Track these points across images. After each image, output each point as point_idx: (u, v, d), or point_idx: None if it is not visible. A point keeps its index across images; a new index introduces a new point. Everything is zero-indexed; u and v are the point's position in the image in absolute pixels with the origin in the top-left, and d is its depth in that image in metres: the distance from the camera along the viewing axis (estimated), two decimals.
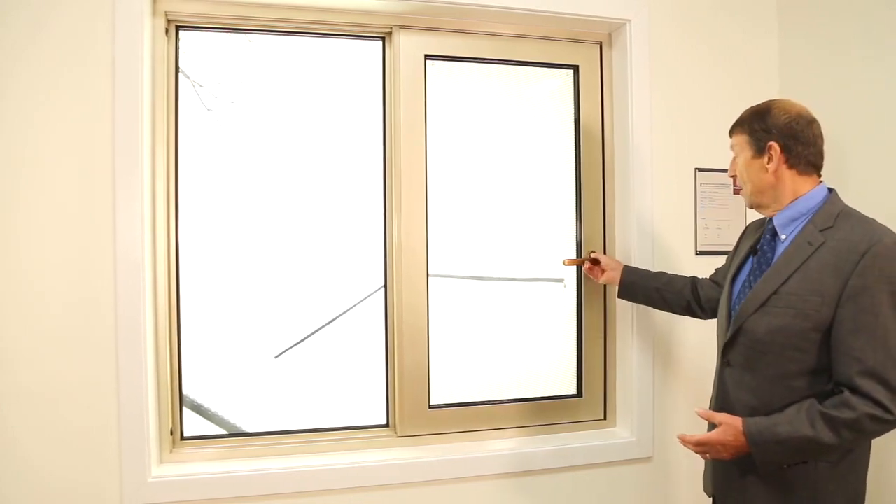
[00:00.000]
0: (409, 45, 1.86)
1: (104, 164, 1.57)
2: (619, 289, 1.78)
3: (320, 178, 2.08)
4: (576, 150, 2.02)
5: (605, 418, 2.04)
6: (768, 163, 1.30)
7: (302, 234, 2.07)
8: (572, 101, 2.01)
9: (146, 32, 1.62)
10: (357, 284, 2.22)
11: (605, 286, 2.01)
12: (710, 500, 1.49)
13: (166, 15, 1.71)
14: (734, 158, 1.40)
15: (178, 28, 1.76)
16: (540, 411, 1.98)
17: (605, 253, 2.02)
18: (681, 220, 1.98)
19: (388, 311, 1.91)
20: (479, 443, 1.89)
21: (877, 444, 1.30)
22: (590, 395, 2.02)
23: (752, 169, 1.33)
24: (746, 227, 1.56)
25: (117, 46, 1.57)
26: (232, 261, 1.98)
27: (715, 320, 1.51)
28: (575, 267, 2.01)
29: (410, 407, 1.87)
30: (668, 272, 1.76)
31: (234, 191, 1.93)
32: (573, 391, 2.02)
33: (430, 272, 1.89)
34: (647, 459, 1.94)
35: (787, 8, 2.05)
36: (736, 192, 2.00)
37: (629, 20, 1.92)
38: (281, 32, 1.83)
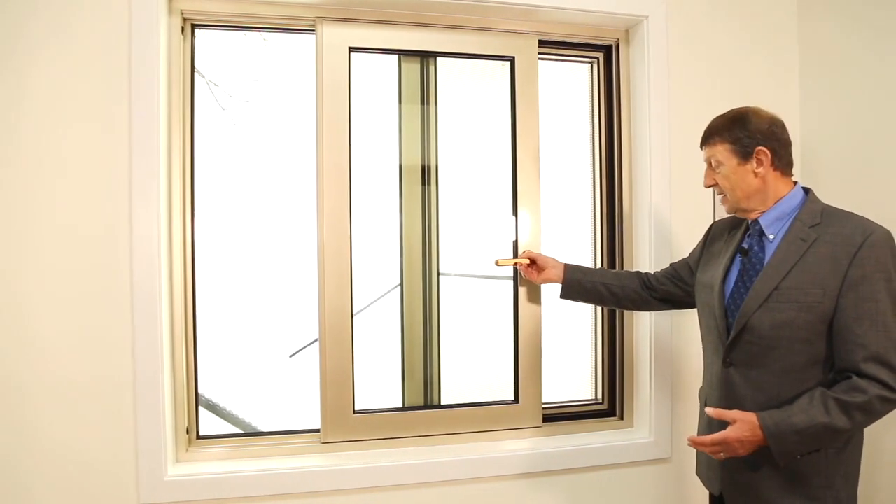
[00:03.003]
0: (333, 38, 1.78)
1: (121, 163, 1.57)
2: (563, 288, 1.75)
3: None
4: (512, 144, 1.94)
5: (622, 419, 2.02)
6: (758, 167, 1.35)
7: (315, 233, 2.07)
8: (508, 94, 1.94)
9: (162, 31, 1.62)
10: (374, 282, 2.20)
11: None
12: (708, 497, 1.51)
13: (182, 13, 1.71)
14: (711, 169, 1.42)
15: (193, 26, 1.76)
16: (477, 417, 1.90)
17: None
18: (698, 217, 1.95)
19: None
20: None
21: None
22: (526, 401, 1.92)
23: (739, 175, 1.36)
24: (711, 228, 1.60)
25: (134, 45, 1.57)
26: (247, 259, 1.98)
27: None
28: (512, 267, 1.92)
29: (334, 412, 1.79)
30: (612, 269, 1.72)
31: (249, 190, 1.92)
32: (511, 397, 1.93)
33: (353, 272, 1.81)
34: (666, 460, 1.93)
35: (806, 1, 2.03)
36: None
37: (647, 16, 1.91)
38: (295, 31, 1.83)
